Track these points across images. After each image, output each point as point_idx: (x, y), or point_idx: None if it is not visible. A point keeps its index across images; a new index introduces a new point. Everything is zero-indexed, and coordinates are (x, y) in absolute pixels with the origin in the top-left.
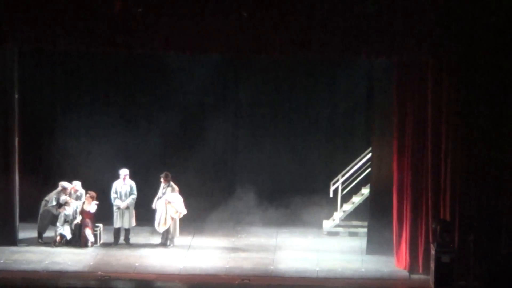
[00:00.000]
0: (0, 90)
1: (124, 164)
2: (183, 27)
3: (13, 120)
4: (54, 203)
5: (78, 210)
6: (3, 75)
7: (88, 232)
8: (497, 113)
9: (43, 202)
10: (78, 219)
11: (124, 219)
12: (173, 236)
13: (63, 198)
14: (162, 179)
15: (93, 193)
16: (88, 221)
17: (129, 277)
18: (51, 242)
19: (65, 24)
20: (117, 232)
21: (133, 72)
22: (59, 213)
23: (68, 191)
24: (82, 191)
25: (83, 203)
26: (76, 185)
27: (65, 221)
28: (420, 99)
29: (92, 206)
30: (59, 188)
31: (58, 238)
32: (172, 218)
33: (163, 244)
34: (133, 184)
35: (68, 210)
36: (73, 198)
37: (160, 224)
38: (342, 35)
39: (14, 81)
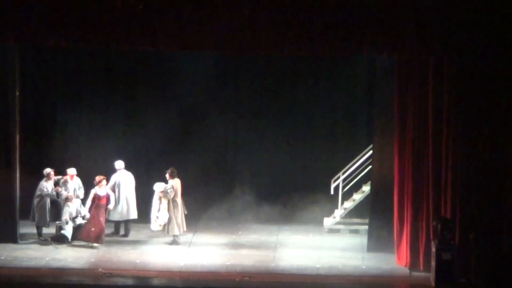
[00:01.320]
0: (1, 87)
1: (125, 162)
2: (184, 24)
3: (14, 117)
4: (47, 190)
5: (80, 208)
6: (4, 72)
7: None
8: (498, 112)
9: (37, 200)
10: (79, 219)
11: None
12: (172, 230)
13: (64, 194)
14: (167, 175)
15: (98, 178)
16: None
17: (130, 274)
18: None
19: (65, 21)
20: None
21: (134, 69)
22: (53, 195)
23: (52, 175)
24: (78, 179)
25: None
26: (71, 171)
27: (69, 219)
28: (421, 97)
29: (101, 190)
30: (44, 177)
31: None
32: (168, 208)
33: (162, 231)
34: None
35: (71, 207)
36: (73, 186)
37: (153, 220)
38: (343, 32)
39: (15, 78)
